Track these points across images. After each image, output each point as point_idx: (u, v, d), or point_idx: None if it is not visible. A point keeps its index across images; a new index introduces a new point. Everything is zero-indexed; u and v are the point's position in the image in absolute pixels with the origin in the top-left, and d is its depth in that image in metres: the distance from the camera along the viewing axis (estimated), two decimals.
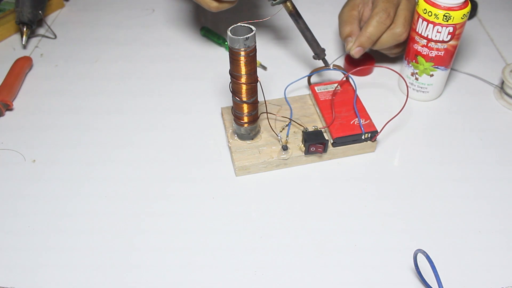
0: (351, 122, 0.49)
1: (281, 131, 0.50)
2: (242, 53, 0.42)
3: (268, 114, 0.51)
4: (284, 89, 0.54)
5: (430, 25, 0.49)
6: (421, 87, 0.55)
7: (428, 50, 0.51)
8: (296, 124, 0.51)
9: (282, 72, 0.60)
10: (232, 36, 0.41)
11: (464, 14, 0.48)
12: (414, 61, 0.53)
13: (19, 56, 0.61)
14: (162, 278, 0.41)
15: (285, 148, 0.48)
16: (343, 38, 0.56)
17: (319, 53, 0.55)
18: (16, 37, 0.68)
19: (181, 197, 0.47)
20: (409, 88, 0.55)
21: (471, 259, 0.42)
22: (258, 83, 0.46)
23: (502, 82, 0.56)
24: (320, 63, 0.58)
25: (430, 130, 0.53)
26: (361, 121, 0.49)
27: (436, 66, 0.52)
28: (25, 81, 0.60)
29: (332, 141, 0.49)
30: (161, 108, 0.56)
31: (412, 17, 0.53)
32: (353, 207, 0.46)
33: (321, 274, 0.41)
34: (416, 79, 0.54)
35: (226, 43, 0.64)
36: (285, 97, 0.53)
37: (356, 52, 0.54)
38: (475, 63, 0.61)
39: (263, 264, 0.42)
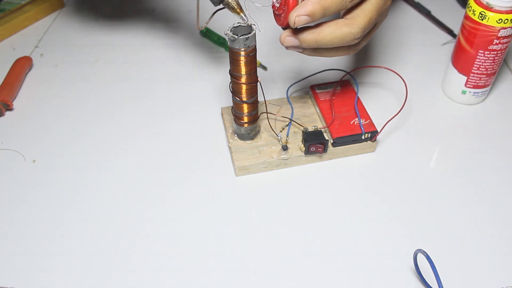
0: (351, 122, 0.49)
1: (281, 131, 0.50)
2: (242, 53, 0.42)
3: (268, 114, 0.51)
4: (287, 89, 0.54)
5: None
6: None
7: None
8: (296, 124, 0.51)
9: (282, 72, 0.60)
10: (232, 36, 0.41)
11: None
12: None
13: (19, 56, 0.61)
14: (162, 277, 0.41)
15: (285, 148, 0.48)
16: None
17: None
18: (16, 37, 0.68)
19: (181, 197, 0.47)
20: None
21: (471, 259, 0.42)
22: (258, 83, 0.46)
23: None
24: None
25: (430, 130, 0.53)
26: (361, 121, 0.49)
27: None
28: (25, 81, 0.60)
29: (332, 141, 0.49)
30: (161, 108, 0.56)
31: (378, 24, 0.44)
32: (353, 207, 0.46)
33: (321, 274, 0.41)
34: None
35: (226, 43, 0.64)
36: (287, 97, 0.53)
37: (299, 21, 0.38)
38: None
39: (263, 264, 0.42)
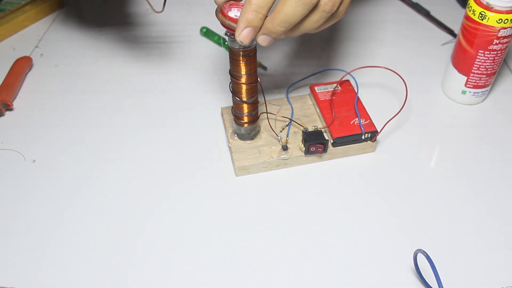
0: (351, 122, 0.49)
1: (281, 131, 0.50)
2: (242, 53, 0.42)
3: (268, 114, 0.51)
4: (287, 89, 0.54)
5: None
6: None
7: None
8: (296, 124, 0.51)
9: (282, 72, 0.60)
10: (232, 36, 0.41)
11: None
12: None
13: (19, 56, 0.61)
14: (162, 277, 0.41)
15: (285, 148, 0.48)
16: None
17: None
18: (16, 37, 0.68)
19: (181, 197, 0.47)
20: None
21: (471, 259, 0.42)
22: (258, 83, 0.46)
23: None
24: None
25: (430, 130, 0.53)
26: (361, 121, 0.49)
27: None
28: (25, 81, 0.60)
29: (332, 141, 0.49)
30: (161, 108, 0.56)
31: None
32: (353, 207, 0.46)
33: (321, 274, 0.41)
34: None
35: (226, 43, 0.64)
36: (287, 97, 0.53)
37: (244, 37, 0.39)
38: None
39: (263, 264, 0.42)
